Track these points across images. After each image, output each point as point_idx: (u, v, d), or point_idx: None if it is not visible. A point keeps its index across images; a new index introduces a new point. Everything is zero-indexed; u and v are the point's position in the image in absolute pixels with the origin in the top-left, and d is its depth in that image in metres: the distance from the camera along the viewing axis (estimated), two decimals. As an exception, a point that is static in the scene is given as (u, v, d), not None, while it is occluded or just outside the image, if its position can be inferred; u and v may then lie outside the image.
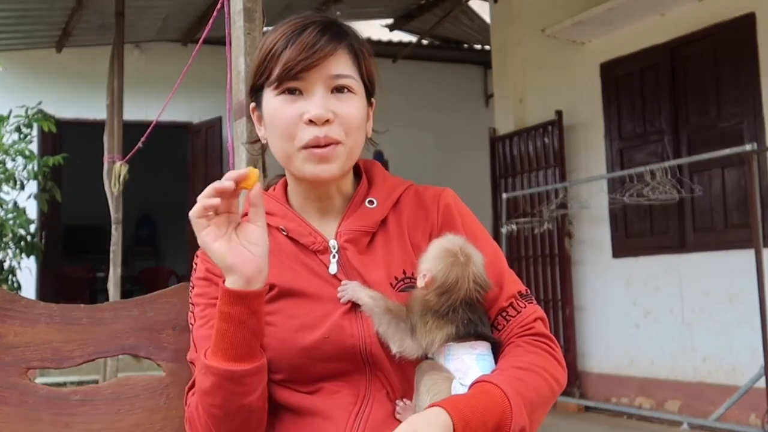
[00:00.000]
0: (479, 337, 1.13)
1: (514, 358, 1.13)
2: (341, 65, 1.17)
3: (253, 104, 1.25)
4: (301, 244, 1.21)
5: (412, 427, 0.98)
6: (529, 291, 1.23)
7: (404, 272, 1.18)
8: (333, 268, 1.18)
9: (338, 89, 1.17)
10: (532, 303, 1.21)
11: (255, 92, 1.23)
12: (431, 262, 1.13)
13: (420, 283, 1.13)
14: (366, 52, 1.22)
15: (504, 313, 1.19)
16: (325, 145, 1.15)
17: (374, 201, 1.24)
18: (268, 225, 1.23)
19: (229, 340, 1.07)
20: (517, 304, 1.19)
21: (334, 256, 1.19)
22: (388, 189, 1.26)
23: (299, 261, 1.19)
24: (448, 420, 0.99)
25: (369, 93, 1.24)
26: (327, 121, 1.15)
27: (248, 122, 1.60)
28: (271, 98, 1.18)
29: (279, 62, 1.15)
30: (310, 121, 1.14)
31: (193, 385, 1.16)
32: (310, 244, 1.20)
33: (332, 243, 1.20)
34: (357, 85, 1.19)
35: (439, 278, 1.11)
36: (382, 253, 1.20)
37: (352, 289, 1.14)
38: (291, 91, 1.16)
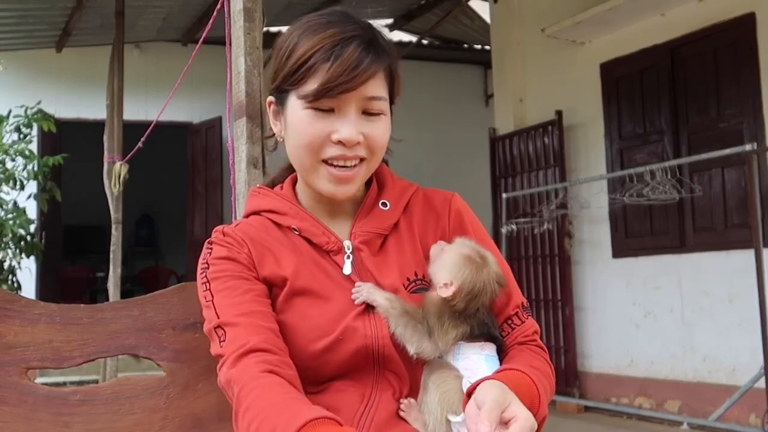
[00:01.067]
0: (489, 338, 1.14)
1: (526, 360, 1.16)
2: (378, 87, 1.15)
3: (272, 98, 1.23)
4: (314, 244, 1.20)
5: (504, 395, 1.00)
6: (528, 303, 1.27)
7: (416, 274, 1.19)
8: (347, 269, 1.17)
9: (370, 112, 1.15)
10: (531, 316, 1.25)
11: (278, 91, 1.20)
12: (453, 271, 1.13)
13: (446, 293, 1.13)
14: (399, 70, 1.21)
15: (509, 321, 1.22)
16: (351, 166, 1.15)
17: (387, 203, 1.24)
18: (280, 225, 1.23)
19: None
20: (522, 314, 1.23)
21: (348, 257, 1.18)
22: (398, 191, 1.27)
23: (314, 260, 1.19)
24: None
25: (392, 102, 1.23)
26: (357, 143, 1.14)
27: (248, 122, 1.60)
28: (298, 108, 1.15)
29: (316, 76, 1.11)
30: (339, 141, 1.13)
31: (233, 339, 1.07)
32: (324, 243, 1.19)
33: (347, 244, 1.20)
34: (387, 105, 1.18)
35: (467, 286, 1.13)
36: (395, 255, 1.20)
37: (367, 291, 1.14)
38: (322, 107, 1.13)
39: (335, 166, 1.15)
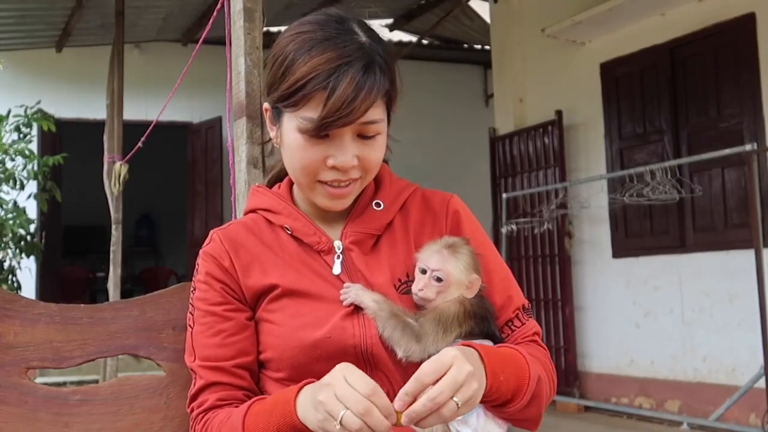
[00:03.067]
0: (486, 336, 1.14)
1: (521, 347, 1.17)
2: (376, 112, 1.12)
3: (267, 105, 1.21)
4: (305, 244, 1.21)
5: (465, 361, 0.99)
6: (530, 305, 1.27)
7: (408, 275, 1.19)
8: (337, 269, 1.18)
9: (366, 135, 1.13)
10: (532, 317, 1.25)
11: (273, 106, 1.19)
12: (472, 270, 1.15)
13: (471, 293, 1.15)
14: (399, 84, 1.17)
15: (510, 323, 1.22)
16: (346, 185, 1.15)
17: (381, 204, 1.24)
18: (272, 223, 1.24)
19: None
20: (522, 316, 1.23)
21: (338, 257, 1.19)
22: (395, 192, 1.26)
23: (302, 261, 1.19)
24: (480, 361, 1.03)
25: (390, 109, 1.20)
26: (351, 167, 1.14)
27: (248, 122, 1.60)
28: (292, 128, 1.13)
29: (312, 104, 1.09)
30: (334, 167, 1.13)
31: (196, 395, 1.17)
32: (315, 243, 1.20)
33: (337, 244, 1.20)
34: (384, 124, 1.16)
35: (480, 277, 1.16)
36: (387, 256, 1.20)
37: (355, 293, 1.14)
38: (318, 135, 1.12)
39: (331, 185, 1.15)
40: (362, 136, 1.13)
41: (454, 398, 0.94)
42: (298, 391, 1.02)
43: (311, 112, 1.09)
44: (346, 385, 0.94)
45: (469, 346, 1.04)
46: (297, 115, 1.11)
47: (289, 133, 1.15)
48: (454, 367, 0.96)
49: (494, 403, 1.06)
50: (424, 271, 1.15)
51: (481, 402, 1.03)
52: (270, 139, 1.27)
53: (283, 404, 1.03)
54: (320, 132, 1.10)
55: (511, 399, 1.06)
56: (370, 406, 0.92)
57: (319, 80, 1.07)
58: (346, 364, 0.98)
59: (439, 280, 1.14)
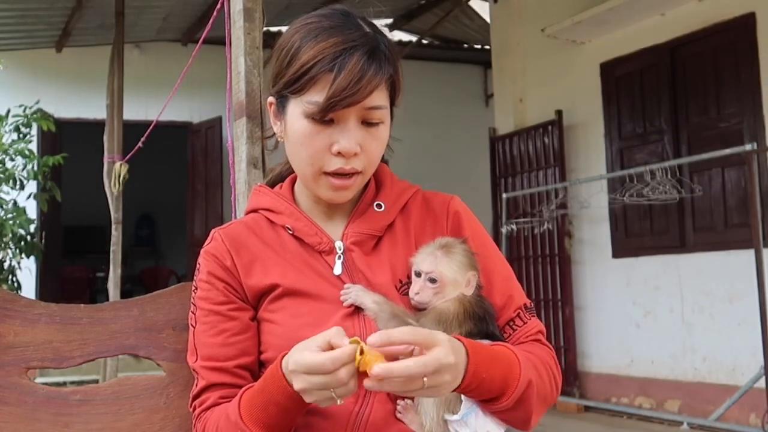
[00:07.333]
0: (485, 336, 1.14)
1: (520, 346, 1.17)
2: (379, 97, 1.14)
3: (272, 99, 1.22)
4: (307, 244, 1.21)
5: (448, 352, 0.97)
6: (532, 304, 1.27)
7: (408, 276, 1.19)
8: (338, 270, 1.18)
9: (370, 121, 1.14)
10: (535, 316, 1.24)
11: (279, 95, 1.19)
12: (467, 268, 1.15)
13: (469, 291, 1.14)
14: (401, 75, 1.19)
15: (511, 323, 1.22)
16: (348, 175, 1.15)
17: (382, 205, 1.24)
18: (274, 224, 1.24)
19: (276, 424, 1.06)
20: (524, 315, 1.23)
21: (339, 257, 1.19)
22: (396, 193, 1.27)
23: (304, 261, 1.20)
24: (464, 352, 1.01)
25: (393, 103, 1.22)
26: (354, 154, 1.14)
27: (248, 122, 1.60)
28: (298, 116, 1.15)
29: (318, 87, 1.10)
30: (338, 153, 1.13)
31: (198, 394, 1.17)
32: (316, 244, 1.20)
33: (338, 244, 1.20)
34: (387, 113, 1.17)
35: (478, 275, 1.16)
36: (388, 256, 1.20)
37: (355, 294, 1.14)
38: (323, 119, 1.13)
39: (334, 176, 1.16)
40: (366, 123, 1.14)
41: (425, 378, 0.94)
42: (281, 363, 1.03)
43: (317, 95, 1.11)
44: (313, 378, 0.96)
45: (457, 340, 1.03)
46: (303, 99, 1.13)
47: (295, 120, 1.15)
48: (440, 350, 0.95)
49: (475, 398, 1.07)
50: (418, 275, 1.15)
51: (461, 394, 1.04)
52: (272, 135, 1.27)
53: (274, 381, 1.04)
54: (326, 113, 1.11)
55: (496, 398, 1.06)
56: (341, 379, 0.94)
57: (325, 63, 1.10)
58: (292, 360, 0.99)
59: (433, 281, 1.14)
